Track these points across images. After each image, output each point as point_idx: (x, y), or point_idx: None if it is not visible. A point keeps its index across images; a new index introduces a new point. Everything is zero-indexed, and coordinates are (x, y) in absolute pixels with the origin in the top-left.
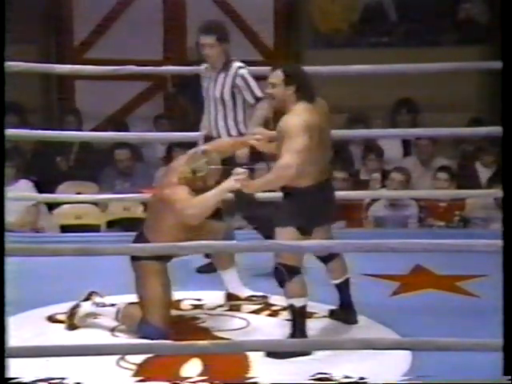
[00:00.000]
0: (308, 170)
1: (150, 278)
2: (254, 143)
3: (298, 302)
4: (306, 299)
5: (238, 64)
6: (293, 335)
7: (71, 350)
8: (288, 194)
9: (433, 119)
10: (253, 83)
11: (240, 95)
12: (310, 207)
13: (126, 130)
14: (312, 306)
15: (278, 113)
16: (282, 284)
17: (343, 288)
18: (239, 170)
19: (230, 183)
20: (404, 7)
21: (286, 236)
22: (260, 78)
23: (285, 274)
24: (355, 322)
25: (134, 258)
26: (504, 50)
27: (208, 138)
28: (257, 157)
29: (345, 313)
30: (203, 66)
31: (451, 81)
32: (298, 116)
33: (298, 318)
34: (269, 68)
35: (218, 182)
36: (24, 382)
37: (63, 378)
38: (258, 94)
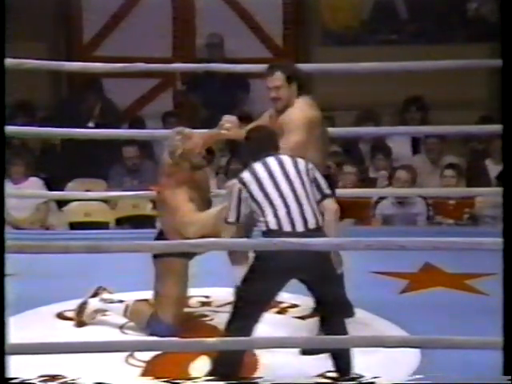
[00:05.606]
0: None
1: (172, 275)
2: (224, 134)
3: None
4: None
5: None
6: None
7: (80, 346)
8: None
9: (443, 117)
10: None
11: None
12: None
13: (143, 125)
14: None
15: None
16: None
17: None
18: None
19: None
20: (414, 4)
21: None
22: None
23: None
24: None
25: (157, 256)
26: (504, 49)
27: None
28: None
29: None
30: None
31: (462, 78)
32: (301, 111)
33: None
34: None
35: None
36: (28, 380)
37: (74, 377)
38: None
